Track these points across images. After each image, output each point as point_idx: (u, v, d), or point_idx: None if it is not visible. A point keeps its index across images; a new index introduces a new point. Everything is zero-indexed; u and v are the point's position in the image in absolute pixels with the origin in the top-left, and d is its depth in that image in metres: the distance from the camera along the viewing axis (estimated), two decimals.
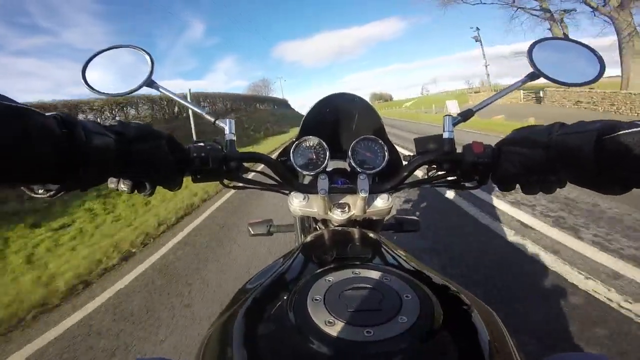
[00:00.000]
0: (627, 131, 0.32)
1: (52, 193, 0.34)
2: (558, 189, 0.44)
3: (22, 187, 0.32)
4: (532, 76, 0.56)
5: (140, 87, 0.58)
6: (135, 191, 0.44)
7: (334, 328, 0.29)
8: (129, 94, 0.58)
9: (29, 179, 0.32)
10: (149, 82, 0.58)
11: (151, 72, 0.58)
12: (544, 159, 0.40)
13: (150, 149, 0.41)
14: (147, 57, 0.59)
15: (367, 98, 0.71)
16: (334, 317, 0.30)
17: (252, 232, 1.01)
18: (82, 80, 0.56)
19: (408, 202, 3.36)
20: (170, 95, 0.62)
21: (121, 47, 0.63)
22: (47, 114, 0.31)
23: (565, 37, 0.57)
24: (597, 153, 0.34)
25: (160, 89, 0.60)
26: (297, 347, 0.28)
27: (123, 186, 0.43)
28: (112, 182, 0.43)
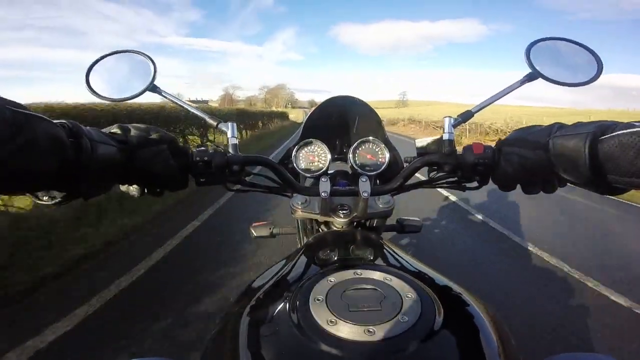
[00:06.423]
0: (621, 132, 0.32)
1: (57, 201, 0.34)
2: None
3: (26, 194, 0.33)
4: (530, 77, 0.57)
5: (143, 92, 0.58)
6: (145, 193, 0.45)
7: (336, 327, 0.29)
8: (131, 98, 0.58)
9: (32, 187, 0.32)
10: (152, 87, 0.59)
11: (154, 77, 0.59)
12: (543, 160, 0.41)
13: (152, 155, 0.42)
14: (150, 63, 0.60)
15: None
16: (336, 316, 0.30)
17: (255, 234, 0.99)
18: (86, 85, 0.56)
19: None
20: (173, 100, 0.62)
21: (124, 52, 0.63)
22: (55, 121, 0.31)
23: (563, 38, 0.57)
24: (591, 154, 0.34)
25: (163, 94, 0.61)
26: (299, 346, 0.29)
27: (132, 190, 0.44)
28: (122, 187, 0.44)
